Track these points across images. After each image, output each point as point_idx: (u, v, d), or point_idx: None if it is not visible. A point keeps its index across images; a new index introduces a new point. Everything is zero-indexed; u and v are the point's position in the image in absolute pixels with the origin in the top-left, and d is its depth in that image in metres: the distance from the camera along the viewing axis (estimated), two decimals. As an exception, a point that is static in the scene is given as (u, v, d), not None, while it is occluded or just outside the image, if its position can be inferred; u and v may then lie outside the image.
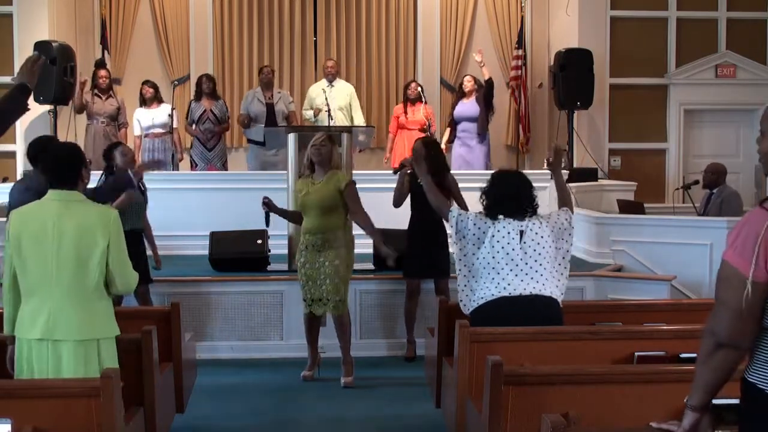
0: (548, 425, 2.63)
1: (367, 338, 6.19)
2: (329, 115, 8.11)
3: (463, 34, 10.46)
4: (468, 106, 8.60)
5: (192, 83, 9.96)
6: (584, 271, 6.58)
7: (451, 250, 4.27)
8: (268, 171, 8.16)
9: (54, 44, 8.45)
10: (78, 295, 3.19)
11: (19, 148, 8.95)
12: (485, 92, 8.58)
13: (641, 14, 9.92)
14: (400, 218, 6.06)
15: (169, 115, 8.51)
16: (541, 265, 4.00)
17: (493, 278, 3.99)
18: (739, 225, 2.19)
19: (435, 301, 5.57)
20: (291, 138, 6.47)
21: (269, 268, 6.61)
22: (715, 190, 7.47)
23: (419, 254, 5.90)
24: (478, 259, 4.05)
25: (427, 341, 5.04)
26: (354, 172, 6.45)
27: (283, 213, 5.64)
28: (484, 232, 4.05)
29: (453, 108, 8.84)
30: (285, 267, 6.54)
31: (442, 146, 8.63)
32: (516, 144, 10.39)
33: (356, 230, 6.22)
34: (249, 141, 8.74)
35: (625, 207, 7.87)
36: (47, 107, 8.69)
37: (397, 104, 9.53)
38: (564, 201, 4.35)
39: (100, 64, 8.91)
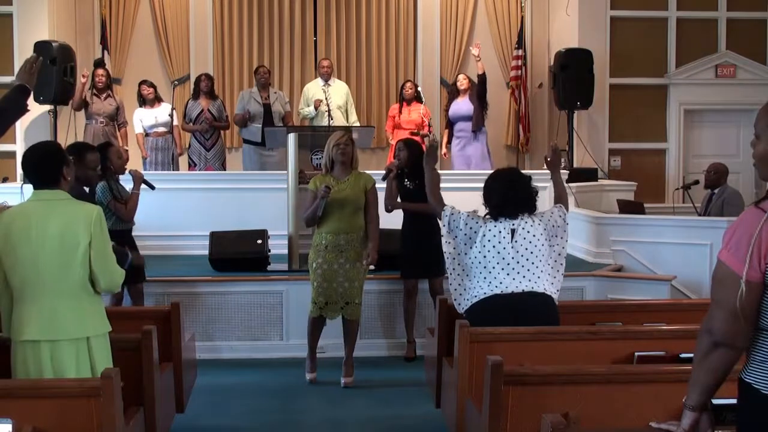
0: (548, 425, 2.63)
1: (367, 338, 6.19)
2: (329, 114, 8.11)
3: (463, 34, 10.46)
4: (462, 105, 8.59)
5: (192, 83, 9.97)
6: (584, 271, 6.58)
7: (444, 249, 4.24)
8: (267, 171, 8.15)
9: (54, 44, 8.45)
10: (66, 294, 3.20)
11: (19, 148, 8.96)
12: (478, 88, 8.56)
13: (641, 14, 9.92)
14: (394, 218, 6.07)
15: (170, 114, 8.53)
16: (533, 263, 4.00)
17: (485, 277, 4.00)
18: (734, 225, 2.19)
19: (437, 301, 5.59)
20: (291, 138, 6.47)
21: (269, 268, 6.60)
22: (716, 190, 7.47)
23: (414, 254, 5.90)
24: (470, 258, 4.06)
25: (427, 341, 5.04)
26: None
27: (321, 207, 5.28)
28: (475, 232, 4.06)
29: (447, 109, 8.82)
30: (285, 267, 6.54)
31: (443, 148, 8.67)
32: (516, 144, 10.40)
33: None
34: (245, 141, 8.73)
35: (625, 207, 7.86)
36: (47, 107, 8.69)
37: (394, 104, 9.54)
38: (559, 198, 4.37)
39: (98, 63, 8.91)
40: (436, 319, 4.48)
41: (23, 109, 3.77)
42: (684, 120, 10.05)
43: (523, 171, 4.35)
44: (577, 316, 4.25)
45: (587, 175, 8.92)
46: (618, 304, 4.87)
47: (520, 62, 10.18)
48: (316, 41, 10.45)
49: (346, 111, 8.89)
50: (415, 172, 5.82)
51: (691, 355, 2.32)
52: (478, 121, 8.53)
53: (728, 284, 2.15)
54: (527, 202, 4.10)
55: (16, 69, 8.88)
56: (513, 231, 4.02)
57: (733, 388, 2.24)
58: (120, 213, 5.36)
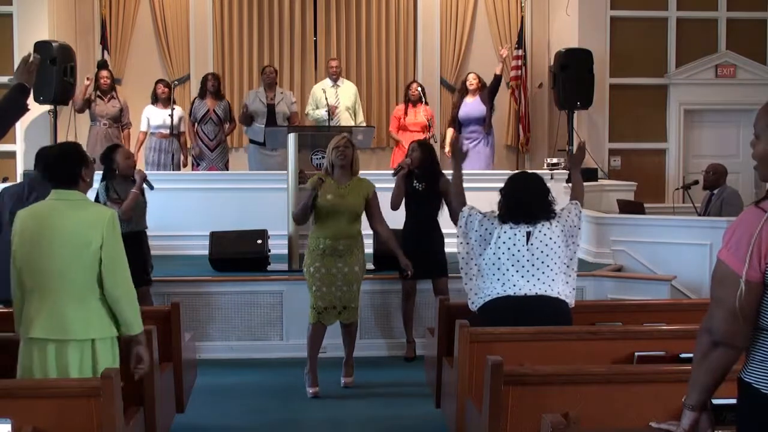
0: (548, 425, 2.64)
1: (367, 338, 6.19)
2: (329, 114, 8.11)
3: (463, 34, 10.46)
4: (474, 106, 8.57)
5: (192, 83, 9.98)
6: (584, 271, 6.57)
7: (455, 250, 4.24)
8: (269, 171, 8.15)
9: (54, 44, 8.45)
10: (74, 295, 3.19)
11: (19, 148, 8.97)
12: (492, 88, 8.57)
13: (641, 14, 9.91)
14: (397, 218, 6.06)
15: (169, 115, 8.50)
16: (548, 266, 4.00)
17: (498, 278, 4.00)
18: (734, 224, 2.19)
19: (434, 301, 5.59)
20: (291, 138, 6.47)
21: (269, 268, 6.61)
22: (715, 191, 7.47)
23: (413, 255, 5.88)
24: (483, 259, 4.07)
25: (427, 341, 5.04)
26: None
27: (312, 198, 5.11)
28: (490, 233, 4.07)
29: (456, 108, 8.76)
30: (285, 267, 6.54)
31: (447, 148, 8.67)
32: (516, 144, 10.39)
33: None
34: (250, 141, 8.74)
35: (625, 207, 7.86)
36: (47, 107, 8.69)
37: (397, 105, 9.53)
38: (576, 195, 4.41)
39: (101, 65, 8.91)
40: (436, 319, 4.48)
41: (23, 109, 3.77)
42: (684, 120, 10.05)
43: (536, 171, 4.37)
44: (577, 316, 4.24)
45: (587, 175, 8.88)
46: (618, 304, 4.88)
47: (520, 62, 10.18)
48: (316, 41, 10.45)
49: (354, 112, 8.88)
50: (425, 174, 5.84)
51: (691, 355, 2.32)
52: (490, 122, 8.58)
53: (728, 284, 2.15)
54: (545, 210, 4.10)
55: (16, 67, 8.92)
56: (529, 234, 4.03)
57: (732, 388, 2.24)
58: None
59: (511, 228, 4.04)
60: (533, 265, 3.99)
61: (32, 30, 8.83)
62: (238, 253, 6.60)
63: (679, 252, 6.50)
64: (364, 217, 5.31)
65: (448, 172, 6.02)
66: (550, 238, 4.03)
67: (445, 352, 4.31)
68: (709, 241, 6.24)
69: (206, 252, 6.67)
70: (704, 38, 9.95)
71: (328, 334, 5.45)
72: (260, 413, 4.93)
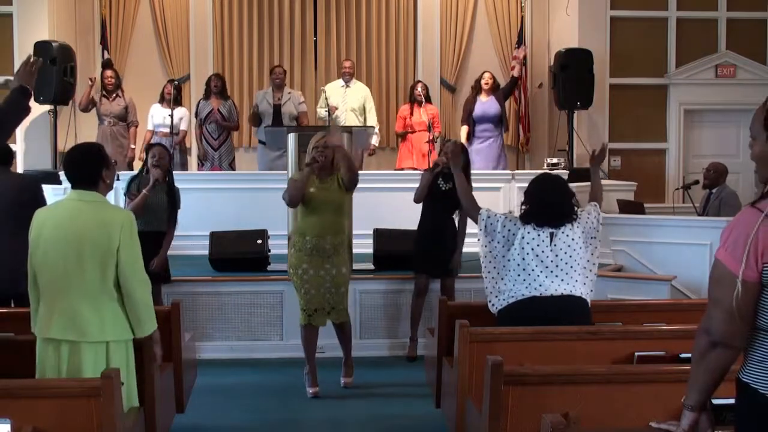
0: (548, 425, 2.64)
1: (367, 338, 6.20)
2: (329, 115, 8.11)
3: (463, 34, 10.46)
4: (489, 105, 8.58)
5: (192, 83, 9.99)
6: (584, 271, 6.57)
7: (480, 251, 4.23)
8: (271, 171, 8.14)
9: (54, 44, 8.45)
10: (90, 296, 3.19)
11: (19, 148, 8.96)
12: (508, 89, 8.61)
13: (641, 14, 9.91)
14: (403, 219, 6.06)
15: (170, 115, 8.50)
16: (571, 267, 4.02)
17: (524, 279, 4.01)
18: (731, 225, 2.20)
19: (437, 301, 5.59)
20: (291, 138, 6.47)
21: (269, 268, 6.61)
22: (714, 190, 7.47)
23: (428, 252, 5.89)
24: (507, 260, 4.07)
25: (427, 341, 5.05)
26: (360, 172, 6.43)
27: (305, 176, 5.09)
28: (513, 234, 4.07)
29: (469, 105, 8.76)
30: (285, 267, 6.52)
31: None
32: (516, 144, 10.40)
33: (356, 231, 6.24)
34: (259, 141, 8.77)
35: (625, 207, 7.86)
36: (47, 107, 8.69)
37: (400, 104, 9.54)
38: (595, 196, 4.48)
39: (106, 64, 8.91)
40: (436, 319, 4.49)
41: (26, 110, 3.77)
42: (684, 120, 10.04)
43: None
44: (577, 316, 4.25)
45: (587, 175, 8.89)
46: (618, 304, 4.88)
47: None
48: (316, 41, 10.45)
49: (364, 113, 8.86)
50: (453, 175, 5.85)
51: (691, 355, 2.32)
52: (507, 123, 8.62)
53: (725, 284, 2.15)
54: (569, 212, 4.12)
55: (16, 69, 8.91)
56: (552, 234, 4.03)
57: (732, 388, 2.24)
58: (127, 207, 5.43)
59: (534, 229, 4.05)
60: (557, 265, 4.00)
61: (32, 30, 8.83)
62: (238, 253, 6.60)
63: (679, 252, 6.50)
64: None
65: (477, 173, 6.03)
66: (573, 239, 4.05)
67: (445, 352, 4.31)
68: (708, 241, 6.24)
69: (206, 252, 6.68)
70: (704, 38, 9.95)
71: (326, 334, 5.46)
72: (260, 413, 4.93)
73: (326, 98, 8.64)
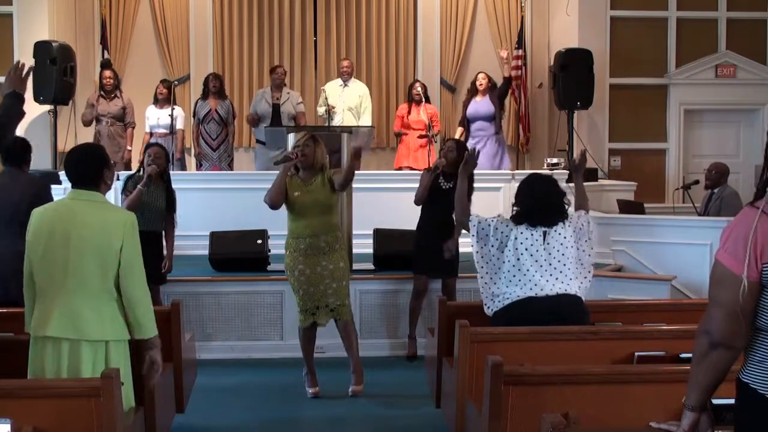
0: (548, 425, 2.63)
1: (367, 338, 6.19)
2: (329, 114, 8.11)
3: (463, 34, 10.46)
4: (482, 105, 8.57)
5: (192, 83, 9.99)
6: (584, 271, 6.57)
7: (474, 257, 4.22)
8: (269, 171, 8.14)
9: (54, 44, 8.45)
10: (90, 295, 3.19)
11: (19, 148, 8.95)
12: (502, 90, 8.58)
13: (641, 14, 9.91)
14: (403, 219, 6.06)
15: (170, 115, 8.52)
16: (565, 265, 4.02)
17: (519, 279, 4.00)
18: (730, 225, 2.20)
19: (437, 301, 5.58)
20: (291, 138, 6.47)
21: (269, 268, 6.61)
22: (715, 190, 7.47)
23: (428, 252, 5.89)
24: (502, 262, 4.06)
25: (427, 341, 5.04)
26: (360, 172, 6.43)
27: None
28: (506, 236, 4.07)
29: (465, 106, 8.75)
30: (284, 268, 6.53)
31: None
32: (516, 144, 10.40)
33: (356, 231, 6.24)
34: (257, 141, 8.76)
35: (625, 207, 7.86)
36: (47, 107, 8.69)
37: (399, 104, 9.54)
38: (581, 204, 4.43)
39: (105, 64, 8.90)
40: (436, 319, 4.48)
41: (20, 114, 3.77)
42: (684, 120, 10.05)
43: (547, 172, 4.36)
44: (577, 316, 4.25)
45: (587, 175, 8.86)
46: (618, 304, 4.87)
47: (520, 62, 10.19)
48: (316, 41, 10.45)
49: (359, 113, 8.87)
50: (455, 174, 5.84)
51: (691, 355, 2.32)
52: (500, 123, 8.58)
53: (726, 284, 2.15)
54: (561, 212, 4.12)
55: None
56: (545, 233, 4.03)
57: (732, 388, 2.24)
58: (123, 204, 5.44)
59: (527, 229, 4.05)
60: (551, 264, 4.00)
61: (32, 30, 8.84)
62: (238, 253, 6.60)
63: (679, 252, 6.50)
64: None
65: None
66: (565, 238, 4.05)
67: (445, 352, 4.31)
68: (709, 241, 6.24)
69: (206, 252, 6.68)
70: (704, 38, 9.95)
71: (327, 334, 5.45)
72: (260, 413, 4.93)
73: (326, 97, 8.64)
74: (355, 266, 6.03)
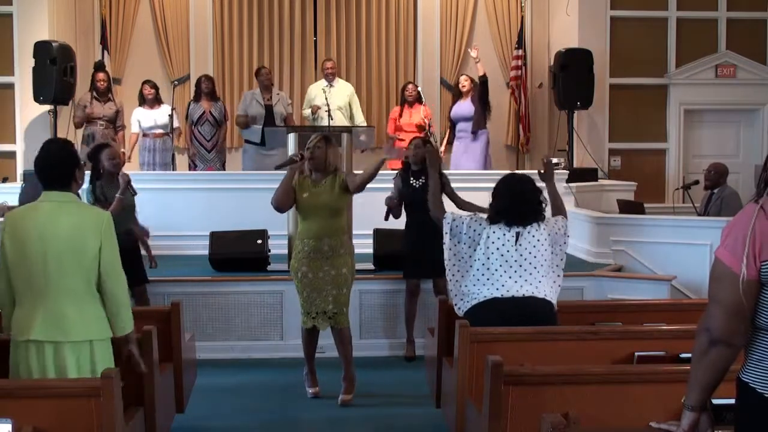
0: (548, 425, 2.64)
1: (367, 338, 6.19)
2: (329, 115, 8.11)
3: (463, 34, 10.46)
4: (464, 106, 8.58)
5: (192, 83, 9.98)
6: (584, 271, 6.58)
7: (445, 255, 4.23)
8: (267, 171, 8.14)
9: (54, 44, 8.45)
10: (71, 296, 3.18)
11: (19, 148, 8.98)
12: (480, 89, 8.56)
13: (641, 14, 9.91)
14: (403, 219, 6.04)
15: (169, 115, 8.53)
16: (535, 268, 4.00)
17: (487, 279, 4.00)
18: (731, 222, 2.20)
19: (434, 301, 5.56)
20: (291, 138, 6.47)
21: (269, 268, 6.61)
22: (715, 191, 7.46)
23: (416, 254, 5.90)
24: (473, 260, 4.06)
25: (427, 341, 5.04)
26: (355, 172, 6.43)
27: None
28: (479, 234, 4.06)
29: (450, 109, 8.82)
30: (285, 267, 6.51)
31: (442, 147, 8.70)
32: (516, 144, 10.40)
33: (356, 231, 6.23)
34: (246, 141, 8.74)
35: (625, 207, 7.86)
36: (47, 107, 8.69)
37: (395, 105, 9.53)
38: (558, 209, 4.40)
39: (98, 66, 8.89)
40: (436, 319, 4.48)
41: None
42: (684, 120, 10.05)
43: (524, 172, 4.35)
44: (577, 316, 4.25)
45: (587, 175, 8.92)
46: (618, 304, 4.87)
47: (520, 62, 10.19)
48: (316, 41, 10.45)
49: (350, 112, 8.87)
50: (424, 171, 5.85)
51: (691, 355, 2.32)
52: (477, 122, 8.52)
53: (725, 282, 2.15)
54: (535, 212, 4.11)
55: (16, 69, 8.94)
56: (518, 234, 4.03)
57: (732, 388, 2.24)
58: None
59: (500, 229, 4.04)
60: (521, 265, 3.99)
61: (32, 30, 8.84)
62: (238, 253, 6.60)
63: (679, 252, 6.50)
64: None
65: (448, 173, 6.05)
66: (538, 240, 4.03)
67: (445, 352, 4.31)
68: (709, 241, 6.24)
69: (206, 252, 6.67)
70: (704, 38, 9.95)
71: (327, 334, 5.41)
72: (260, 413, 4.93)
73: (326, 98, 8.61)
74: (356, 266, 6.02)
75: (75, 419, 2.94)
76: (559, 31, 10.18)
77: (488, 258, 4.00)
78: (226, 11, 10.29)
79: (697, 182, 8.11)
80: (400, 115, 8.73)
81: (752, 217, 2.11)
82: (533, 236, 4.02)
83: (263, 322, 6.22)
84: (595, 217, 7.36)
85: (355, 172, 5.34)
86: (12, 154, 9.05)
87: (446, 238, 4.17)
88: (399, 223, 6.14)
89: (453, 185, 5.79)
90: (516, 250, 3.99)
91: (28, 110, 8.93)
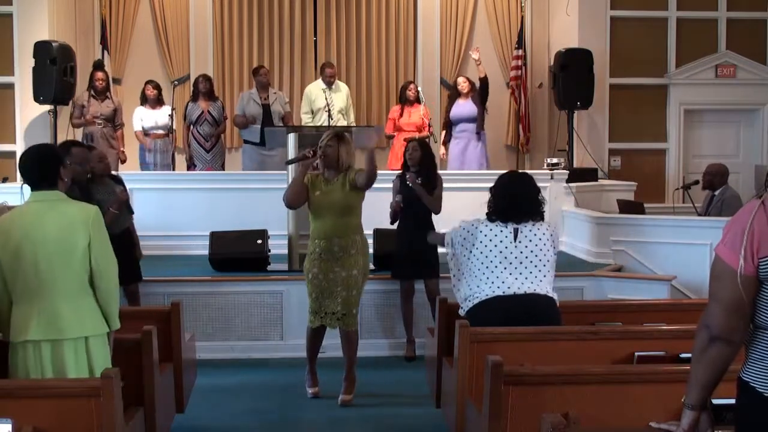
0: (548, 425, 2.64)
1: (367, 338, 6.18)
2: (329, 115, 8.11)
3: (463, 34, 10.46)
4: (465, 106, 8.58)
5: (192, 84, 9.98)
6: (584, 271, 6.58)
7: (448, 259, 4.25)
8: (266, 171, 8.14)
9: (54, 44, 8.45)
10: (65, 294, 3.20)
11: (19, 148, 8.96)
12: (481, 91, 8.57)
13: (641, 14, 9.91)
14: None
15: (169, 115, 8.53)
16: (535, 265, 4.00)
17: (487, 277, 4.00)
18: (732, 219, 2.20)
19: (424, 300, 5.58)
20: (291, 138, 6.47)
21: (269, 268, 6.61)
22: (717, 192, 7.45)
23: (408, 255, 5.91)
24: (470, 260, 4.06)
25: (427, 341, 5.04)
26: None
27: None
28: (473, 235, 4.07)
29: (448, 109, 8.79)
30: (285, 267, 6.54)
31: (441, 148, 8.71)
32: (516, 144, 10.40)
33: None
34: (245, 141, 8.73)
35: (625, 207, 7.86)
36: (47, 107, 8.69)
37: (395, 105, 9.53)
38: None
39: (97, 65, 8.89)
40: (436, 319, 4.48)
41: None
42: (684, 120, 10.04)
43: (527, 172, 4.37)
44: (577, 316, 4.25)
45: (587, 175, 8.91)
46: (618, 304, 4.87)
47: (520, 62, 10.19)
48: (316, 41, 10.45)
49: (347, 113, 8.88)
50: (421, 173, 5.87)
51: (691, 353, 2.32)
52: (481, 124, 8.56)
53: (724, 278, 2.16)
54: (535, 209, 4.11)
55: (16, 69, 8.94)
56: (516, 230, 4.03)
57: (732, 388, 2.24)
58: None
59: (497, 226, 4.04)
60: (521, 262, 3.99)
61: (32, 30, 8.83)
62: (238, 253, 6.60)
63: (679, 252, 6.50)
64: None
65: (446, 173, 6.06)
66: (539, 237, 4.03)
67: (445, 352, 4.31)
68: (709, 241, 6.23)
69: (206, 252, 6.68)
70: (704, 38, 9.95)
71: (328, 334, 5.43)
72: (260, 413, 4.93)
73: (326, 99, 8.61)
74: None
75: (75, 419, 2.94)
76: (559, 31, 10.18)
77: (486, 256, 4.00)
78: (226, 11, 10.29)
79: (697, 182, 8.10)
80: (400, 115, 8.73)
81: (752, 213, 2.11)
82: (533, 233, 4.02)
83: (263, 322, 6.22)
84: (595, 217, 7.36)
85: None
86: (12, 154, 9.03)
87: (447, 249, 4.21)
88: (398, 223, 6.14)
89: (452, 185, 5.81)
90: (516, 247, 3.99)
91: (28, 110, 8.92)
